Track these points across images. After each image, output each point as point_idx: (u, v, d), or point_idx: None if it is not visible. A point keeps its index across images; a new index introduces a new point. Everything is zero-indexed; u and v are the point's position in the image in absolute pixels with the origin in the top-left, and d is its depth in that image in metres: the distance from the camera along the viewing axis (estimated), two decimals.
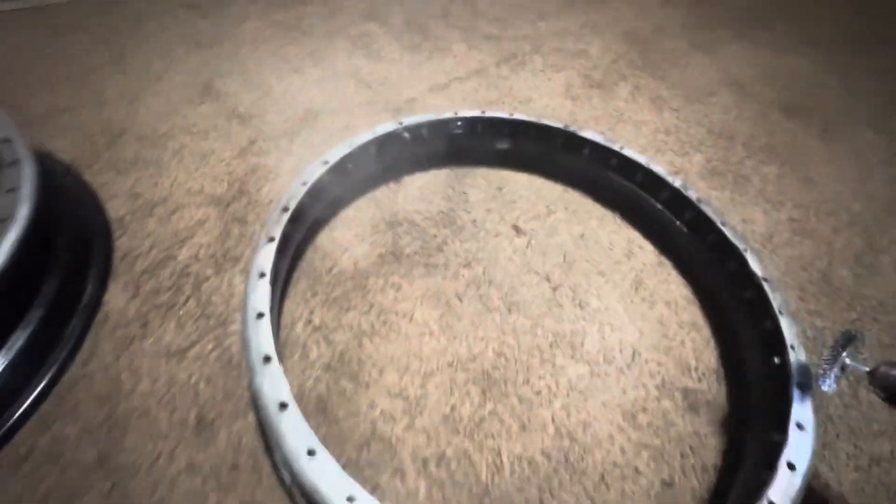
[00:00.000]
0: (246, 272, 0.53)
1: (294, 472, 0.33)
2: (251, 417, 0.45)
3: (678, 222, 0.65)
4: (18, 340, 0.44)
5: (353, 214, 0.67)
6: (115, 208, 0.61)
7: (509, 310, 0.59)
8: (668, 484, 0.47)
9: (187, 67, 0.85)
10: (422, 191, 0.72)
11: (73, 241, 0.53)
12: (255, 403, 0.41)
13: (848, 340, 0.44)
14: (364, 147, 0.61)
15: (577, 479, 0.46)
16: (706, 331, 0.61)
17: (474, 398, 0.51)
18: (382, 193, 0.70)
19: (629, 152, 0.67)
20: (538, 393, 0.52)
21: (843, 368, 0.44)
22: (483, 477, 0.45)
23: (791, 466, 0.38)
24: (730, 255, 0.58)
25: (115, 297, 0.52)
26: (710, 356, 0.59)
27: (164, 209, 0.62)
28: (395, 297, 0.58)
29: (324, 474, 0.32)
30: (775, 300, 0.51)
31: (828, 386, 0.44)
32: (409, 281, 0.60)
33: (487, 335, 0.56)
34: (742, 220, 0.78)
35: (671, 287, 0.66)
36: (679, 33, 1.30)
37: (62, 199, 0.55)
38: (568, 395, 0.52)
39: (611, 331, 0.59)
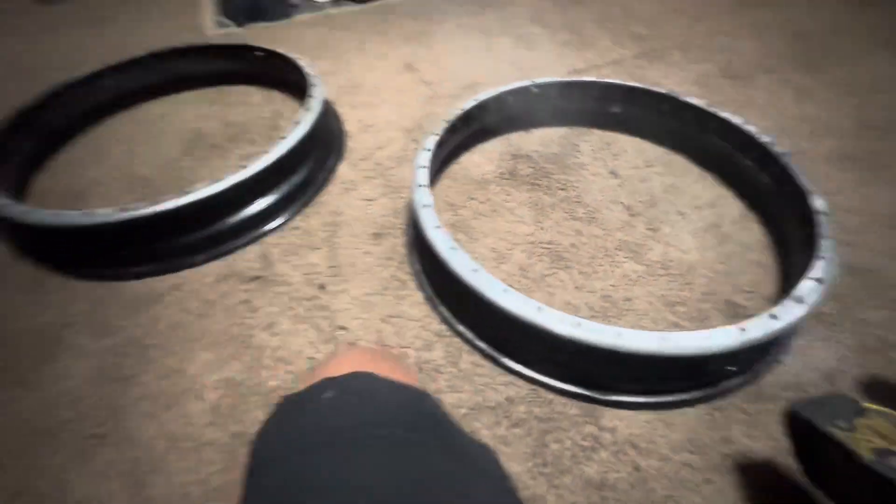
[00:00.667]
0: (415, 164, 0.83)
1: (435, 252, 0.59)
2: (403, 239, 0.75)
3: (770, 179, 0.72)
4: (294, 180, 0.81)
5: (488, 146, 0.93)
6: (350, 126, 0.99)
7: (588, 221, 0.77)
8: None
9: (399, 53, 1.25)
10: (542, 139, 0.94)
11: (327, 139, 0.91)
12: (415, 224, 0.70)
13: None
14: (499, 97, 0.86)
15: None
16: (773, 270, 0.68)
17: (546, 263, 0.71)
18: (513, 136, 0.95)
19: (728, 115, 0.78)
20: (595, 272, 0.69)
21: None
22: None
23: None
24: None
25: (342, 169, 0.89)
26: (768, 289, 0.66)
27: (374, 129, 0.98)
28: (504, 197, 0.82)
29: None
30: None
31: None
32: (517, 190, 0.83)
33: (566, 232, 0.75)
34: (862, 197, 0.78)
35: (749, 234, 0.74)
36: (860, 33, 1.23)
37: (327, 117, 0.94)
38: (620, 278, 0.68)
39: (675, 250, 0.72)
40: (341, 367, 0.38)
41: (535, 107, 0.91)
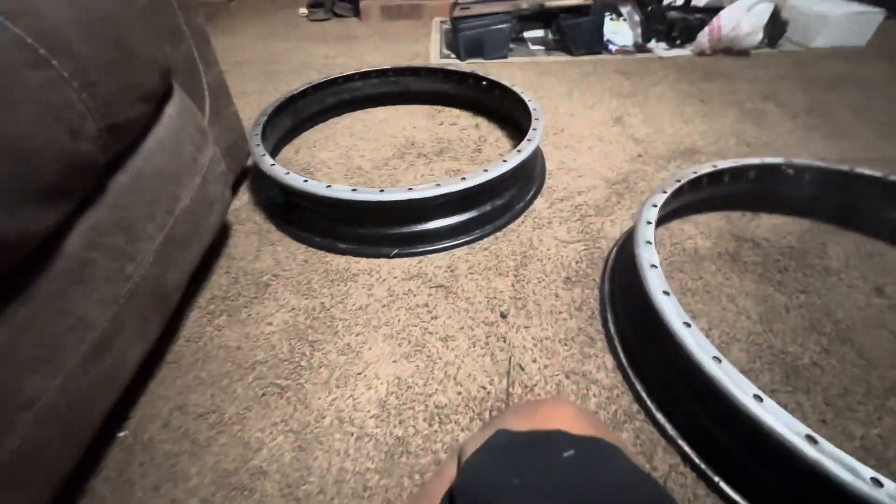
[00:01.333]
0: (635, 218, 0.76)
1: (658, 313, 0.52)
2: (596, 292, 0.68)
3: None
4: (496, 202, 0.81)
5: (704, 219, 0.82)
6: (550, 164, 0.98)
7: (842, 342, 0.60)
8: None
9: (608, 107, 1.22)
10: (776, 228, 0.80)
11: (531, 171, 0.91)
12: (631, 283, 0.63)
13: None
14: (740, 169, 0.75)
15: None
16: None
17: (775, 375, 0.56)
18: (736, 216, 0.82)
19: None
20: (851, 409, 0.53)
21: None
22: None
23: None
24: None
25: (539, 204, 0.87)
26: None
27: (575, 174, 0.95)
28: (722, 281, 0.69)
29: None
30: None
31: None
32: (740, 278, 0.70)
33: (809, 346, 0.60)
34: None
35: None
36: None
37: (536, 149, 0.95)
38: (887, 430, 0.50)
39: None
40: (553, 418, 0.33)
41: (775, 188, 0.78)
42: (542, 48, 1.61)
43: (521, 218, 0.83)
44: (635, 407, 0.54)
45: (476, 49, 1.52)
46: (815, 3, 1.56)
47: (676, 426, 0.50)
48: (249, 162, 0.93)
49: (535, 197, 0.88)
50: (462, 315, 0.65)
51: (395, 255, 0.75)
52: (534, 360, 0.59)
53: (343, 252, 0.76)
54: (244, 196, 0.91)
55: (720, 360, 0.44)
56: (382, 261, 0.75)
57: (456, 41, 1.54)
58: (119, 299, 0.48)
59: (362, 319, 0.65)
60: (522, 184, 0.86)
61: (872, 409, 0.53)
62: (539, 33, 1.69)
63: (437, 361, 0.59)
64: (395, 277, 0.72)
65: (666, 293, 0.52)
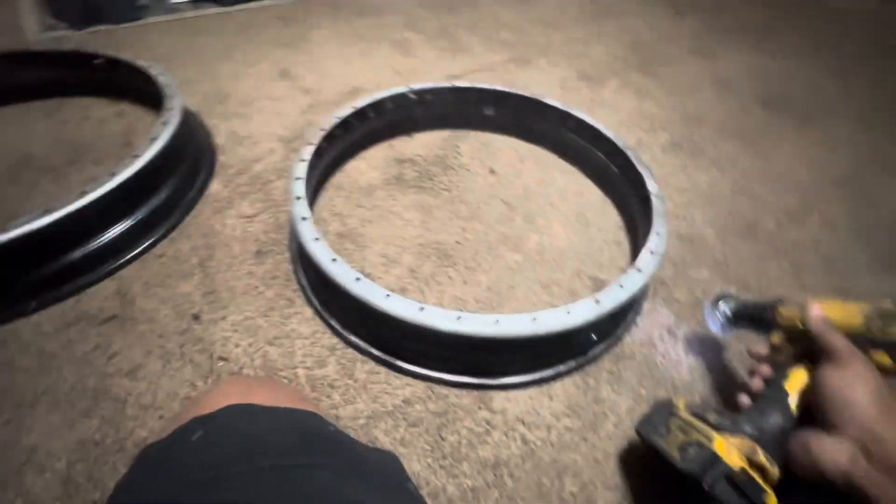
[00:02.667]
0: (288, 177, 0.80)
1: (316, 265, 0.58)
2: (287, 254, 0.71)
3: (616, 169, 0.84)
4: (158, 199, 0.73)
5: (372, 153, 0.93)
6: (220, 139, 0.92)
7: (471, 218, 0.81)
8: None
9: (274, 58, 1.19)
10: (426, 142, 0.97)
11: (194, 154, 0.83)
12: (295, 239, 0.67)
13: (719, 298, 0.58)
14: (378, 103, 0.87)
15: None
16: (626, 247, 0.79)
17: (434, 263, 0.73)
18: (396, 142, 0.96)
19: (581, 115, 0.88)
20: (480, 265, 0.73)
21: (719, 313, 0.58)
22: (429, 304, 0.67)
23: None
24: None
25: (215, 187, 0.82)
26: (623, 263, 0.76)
27: (249, 141, 0.92)
28: (391, 203, 0.82)
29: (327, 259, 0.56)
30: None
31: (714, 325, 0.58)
32: (403, 195, 0.84)
33: (451, 231, 0.78)
34: (687, 179, 0.94)
35: (608, 219, 0.84)
36: (683, 43, 1.47)
37: (192, 128, 0.86)
38: (502, 269, 0.73)
39: (548, 238, 0.79)
40: (214, 403, 0.35)
41: (414, 112, 0.94)
42: (187, 0, 1.41)
43: (196, 207, 0.77)
44: (335, 340, 0.62)
45: (92, 13, 1.21)
46: None
47: (362, 338, 0.60)
48: None
49: (207, 180, 0.82)
50: (147, 338, 0.60)
51: (35, 310, 0.61)
52: (237, 345, 0.60)
53: None
54: None
55: (361, 279, 0.54)
56: (21, 321, 0.60)
57: (58, 5, 1.19)
58: None
59: (10, 402, 0.53)
60: (185, 171, 0.79)
61: (492, 259, 0.75)
62: None
63: (128, 399, 0.54)
64: (46, 334, 0.59)
65: (316, 239, 0.58)
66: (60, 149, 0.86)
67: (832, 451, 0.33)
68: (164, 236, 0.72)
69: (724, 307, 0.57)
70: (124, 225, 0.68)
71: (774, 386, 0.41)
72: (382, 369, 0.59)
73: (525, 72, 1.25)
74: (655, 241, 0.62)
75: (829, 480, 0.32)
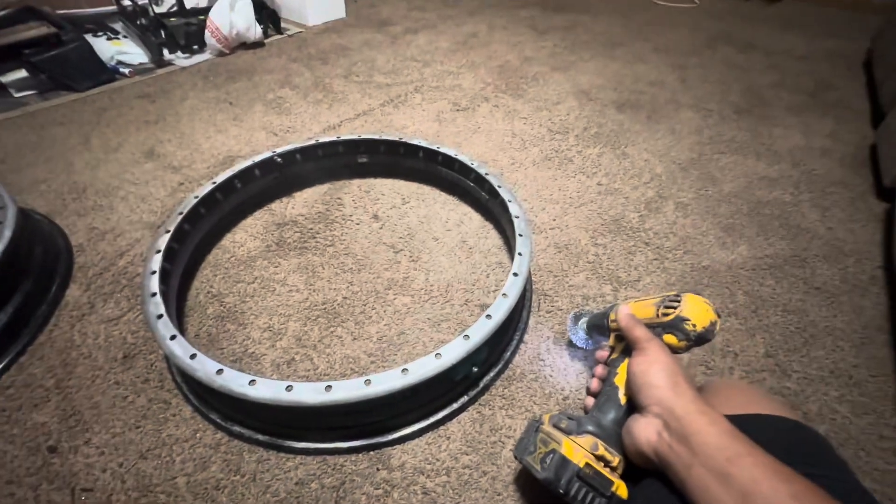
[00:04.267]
0: (143, 271, 0.76)
1: (176, 364, 0.54)
2: (158, 353, 0.67)
3: (486, 195, 0.88)
4: (3, 317, 0.67)
5: (250, 221, 0.91)
6: (77, 238, 0.85)
7: (358, 269, 0.81)
8: None
9: (137, 139, 1.13)
10: (306, 200, 0.97)
11: (44, 259, 0.77)
12: (157, 339, 0.63)
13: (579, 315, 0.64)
14: (248, 169, 0.86)
15: (388, 367, 0.67)
16: (508, 266, 0.83)
17: (322, 326, 0.72)
18: (275, 205, 0.95)
19: (447, 150, 0.92)
20: (370, 318, 0.73)
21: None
22: (319, 370, 0.66)
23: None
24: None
25: (73, 292, 0.75)
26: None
27: (111, 235, 0.86)
28: (273, 270, 0.81)
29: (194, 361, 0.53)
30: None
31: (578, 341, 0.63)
32: (286, 259, 0.83)
33: (338, 287, 0.78)
34: (558, 189, 1.01)
35: (488, 241, 0.88)
36: (544, 61, 1.60)
37: (37, 233, 0.79)
38: (392, 316, 0.74)
39: (434, 274, 0.81)
40: None
41: (287, 173, 0.93)
42: (34, 92, 1.32)
43: (52, 321, 0.71)
44: (219, 435, 0.58)
45: None
46: None
47: (246, 427, 0.57)
48: None
49: (63, 288, 0.76)
50: None
51: None
52: (103, 470, 0.55)
53: None
54: None
55: (222, 371, 0.52)
56: None
57: None
58: None
59: None
60: (29, 286, 0.72)
61: (381, 308, 0.75)
62: (23, 73, 1.36)
63: None
64: None
65: (173, 337, 0.55)
66: None
67: (644, 430, 0.36)
68: (10, 363, 0.65)
69: (581, 322, 0.62)
70: None
71: (608, 383, 0.45)
72: (272, 454, 0.57)
73: (402, 111, 1.29)
74: (517, 262, 0.66)
75: (646, 457, 0.36)
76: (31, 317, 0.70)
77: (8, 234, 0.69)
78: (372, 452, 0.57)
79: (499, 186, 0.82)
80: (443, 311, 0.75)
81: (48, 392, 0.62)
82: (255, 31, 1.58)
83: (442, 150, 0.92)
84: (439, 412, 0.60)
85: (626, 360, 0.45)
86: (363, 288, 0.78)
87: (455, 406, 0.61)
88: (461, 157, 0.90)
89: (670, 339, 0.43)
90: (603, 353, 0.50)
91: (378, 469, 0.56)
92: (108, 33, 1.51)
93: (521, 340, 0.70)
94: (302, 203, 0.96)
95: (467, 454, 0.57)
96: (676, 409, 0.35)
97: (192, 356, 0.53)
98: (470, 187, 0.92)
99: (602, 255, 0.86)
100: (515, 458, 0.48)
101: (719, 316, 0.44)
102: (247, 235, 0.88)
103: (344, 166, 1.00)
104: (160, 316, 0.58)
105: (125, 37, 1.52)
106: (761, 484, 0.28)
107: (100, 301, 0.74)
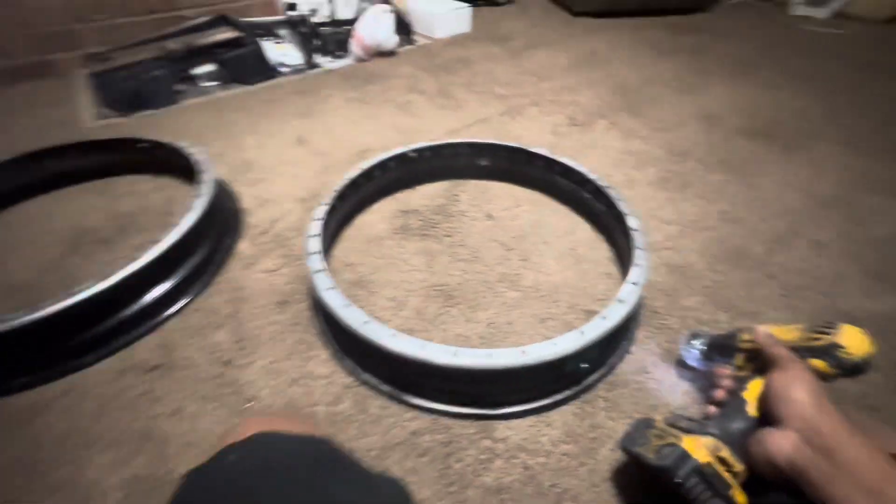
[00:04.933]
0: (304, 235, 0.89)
1: (330, 311, 0.65)
2: (306, 303, 0.80)
3: (602, 207, 0.90)
4: (193, 260, 0.84)
5: (380, 206, 1.03)
6: (246, 203, 1.04)
7: (472, 260, 0.88)
8: None
9: (291, 128, 1.33)
10: (428, 194, 1.07)
11: (224, 218, 0.95)
12: (312, 290, 0.75)
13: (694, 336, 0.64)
14: (382, 163, 0.98)
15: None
16: (618, 279, 0.84)
17: (439, 304, 0.80)
18: (400, 195, 1.06)
19: (566, 160, 0.96)
20: (480, 304, 0.80)
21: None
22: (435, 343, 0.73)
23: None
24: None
25: (242, 246, 0.92)
26: (615, 295, 0.81)
27: (271, 203, 1.03)
28: (398, 250, 0.91)
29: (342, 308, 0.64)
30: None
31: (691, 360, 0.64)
32: (409, 242, 0.93)
33: (454, 273, 0.86)
34: (675, 210, 1.00)
35: (598, 253, 0.90)
36: (667, 83, 1.57)
37: (220, 198, 0.98)
38: (501, 306, 0.79)
39: (543, 275, 0.85)
40: (242, 433, 0.42)
41: (415, 168, 1.04)
42: (217, 83, 1.61)
43: (226, 266, 0.88)
44: (349, 379, 0.68)
45: (137, 101, 1.40)
46: (426, 4, 2.00)
47: (374, 376, 0.66)
48: None
49: (234, 241, 0.93)
50: (186, 383, 0.68)
51: (92, 363, 0.70)
52: (263, 388, 0.67)
53: (21, 388, 0.67)
54: None
55: (368, 322, 0.61)
56: (77, 374, 0.69)
57: (112, 98, 1.39)
58: None
59: (71, 445, 0.61)
60: (216, 234, 0.90)
61: (492, 297, 0.81)
62: (210, 67, 1.66)
63: (170, 438, 0.61)
64: (101, 384, 0.68)
65: (330, 289, 0.66)
66: (111, 221, 0.99)
67: (779, 442, 0.37)
68: (199, 293, 0.82)
69: (697, 343, 0.62)
70: (166, 285, 0.78)
71: (735, 395, 0.45)
72: (393, 404, 0.65)
73: (518, 122, 1.36)
74: (636, 273, 0.68)
75: (777, 468, 0.36)
76: (214, 259, 0.87)
77: (208, 193, 0.87)
78: (479, 421, 0.63)
79: (617, 199, 0.84)
80: (549, 311, 0.78)
81: (224, 319, 0.77)
82: (392, 41, 1.76)
83: (561, 160, 0.96)
84: (544, 399, 0.63)
85: (758, 378, 0.45)
86: (476, 277, 0.85)
87: (559, 397, 0.64)
88: (580, 168, 0.93)
89: (817, 363, 0.43)
90: (724, 371, 0.50)
91: (483, 437, 0.61)
92: (275, 38, 1.79)
93: (627, 350, 0.71)
94: (425, 195, 1.06)
95: (566, 443, 0.60)
96: (822, 426, 0.36)
97: (346, 306, 0.63)
98: (585, 198, 0.94)
99: (720, 282, 0.83)
100: (622, 448, 0.51)
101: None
102: (376, 218, 1.00)
103: (464, 167, 1.08)
104: (319, 270, 0.69)
105: (287, 42, 1.78)
106: None
107: (262, 255, 0.90)
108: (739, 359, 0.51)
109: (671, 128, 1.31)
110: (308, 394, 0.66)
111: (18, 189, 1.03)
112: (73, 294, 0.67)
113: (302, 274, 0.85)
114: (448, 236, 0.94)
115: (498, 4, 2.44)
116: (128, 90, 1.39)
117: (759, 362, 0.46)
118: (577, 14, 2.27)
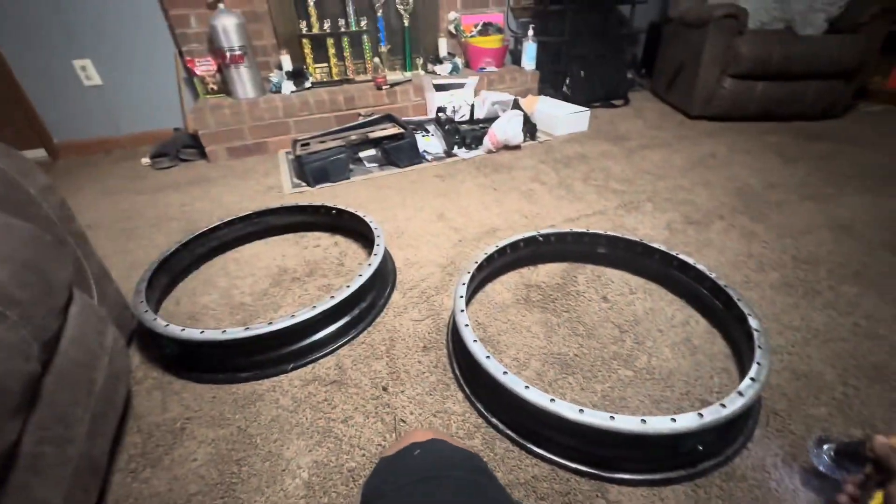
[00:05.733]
0: (453, 297, 1.09)
1: (473, 360, 0.82)
2: (445, 351, 0.97)
3: (720, 305, 0.96)
4: (362, 305, 1.08)
5: (506, 278, 1.20)
6: (398, 262, 1.29)
7: (588, 336, 0.99)
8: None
9: (432, 206, 1.62)
10: (549, 272, 1.22)
11: (384, 274, 1.20)
12: (455, 339, 0.93)
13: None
14: (513, 243, 1.16)
15: None
16: (734, 375, 0.87)
17: (556, 370, 0.91)
18: (524, 271, 1.23)
19: (685, 256, 1.05)
20: (595, 377, 0.89)
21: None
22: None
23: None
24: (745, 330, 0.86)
25: (395, 297, 1.15)
26: (732, 388, 0.84)
27: (417, 266, 1.28)
28: (521, 318, 1.05)
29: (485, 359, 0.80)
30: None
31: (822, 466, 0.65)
32: (531, 313, 1.07)
33: (571, 345, 0.97)
34: (800, 318, 1.00)
35: (714, 347, 0.94)
36: (793, 189, 1.58)
37: (385, 258, 1.25)
38: (616, 382, 0.87)
39: (657, 360, 0.92)
40: (419, 437, 0.58)
41: (541, 249, 1.21)
42: (377, 165, 2.02)
43: (384, 311, 1.10)
44: (480, 420, 0.81)
45: (322, 176, 1.84)
46: (550, 108, 2.31)
47: (502, 421, 0.79)
48: (134, 324, 1.04)
49: (391, 292, 1.17)
50: (354, 398, 0.87)
51: (292, 369, 0.94)
52: (411, 413, 0.83)
53: (245, 380, 0.92)
54: (135, 357, 1.00)
55: (507, 373, 0.75)
56: (282, 377, 0.93)
57: (304, 173, 1.84)
58: (66, 478, 0.59)
59: (276, 428, 0.82)
60: (380, 285, 1.14)
61: (606, 373, 0.90)
62: (371, 152, 2.10)
63: (343, 438, 0.79)
64: (296, 386, 0.90)
65: (475, 341, 0.83)
66: (302, 265, 1.31)
67: None
68: (363, 330, 1.04)
69: (825, 448, 0.64)
70: (344, 320, 1.02)
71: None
72: (516, 449, 0.76)
73: (633, 216, 1.48)
74: (756, 370, 0.73)
75: None
76: (376, 305, 1.10)
77: (381, 253, 1.13)
78: (594, 481, 0.70)
79: (738, 299, 0.90)
80: (663, 394, 0.85)
81: (381, 353, 0.98)
82: (519, 137, 2.06)
83: (680, 256, 1.06)
84: (658, 473, 0.69)
85: (882, 490, 0.48)
86: (591, 352, 0.95)
87: (672, 475, 0.69)
88: (699, 266, 1.01)
89: None
90: (854, 479, 0.53)
91: (597, 495, 0.68)
92: (423, 132, 2.21)
93: (744, 445, 0.74)
94: (545, 273, 1.21)
95: None
96: None
97: (487, 357, 0.79)
98: (703, 294, 1.01)
99: (853, 396, 0.82)
100: None
101: None
102: (503, 288, 1.17)
103: (583, 252, 1.23)
104: (467, 325, 0.87)
105: (432, 135, 2.19)
106: None
107: (411, 306, 1.11)
108: (870, 467, 0.53)
109: (797, 235, 1.31)
110: (446, 425, 0.81)
111: (245, 236, 1.42)
112: (285, 319, 0.93)
113: (441, 326, 1.04)
114: (566, 311, 1.07)
115: (614, 106, 2.69)
116: (317, 168, 1.84)
117: (884, 474, 0.49)
118: (693, 118, 2.39)
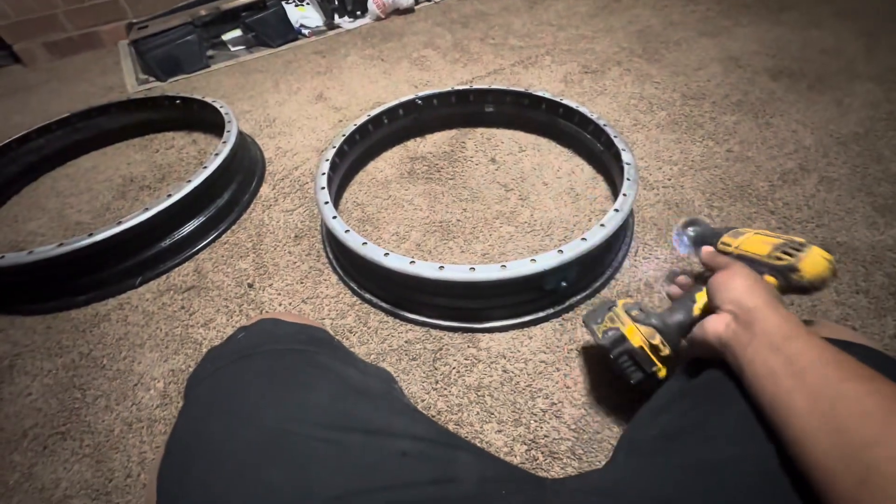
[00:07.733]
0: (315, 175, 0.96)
1: (333, 236, 0.73)
2: (318, 237, 0.88)
3: (600, 146, 0.92)
4: (219, 203, 0.94)
5: (389, 154, 1.09)
6: (268, 153, 1.13)
7: (472, 200, 0.93)
8: None
9: (311, 85, 1.40)
10: (435, 141, 1.11)
11: (249, 164, 1.04)
12: (322, 224, 0.83)
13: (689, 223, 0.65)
14: (393, 108, 1.02)
15: None
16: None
17: (437, 238, 0.86)
18: (410, 143, 1.11)
19: (568, 102, 0.97)
20: (477, 238, 0.85)
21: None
22: None
23: None
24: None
25: (265, 189, 1.02)
26: None
27: (290, 153, 1.12)
28: (403, 192, 0.97)
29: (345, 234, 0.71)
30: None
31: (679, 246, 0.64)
32: (414, 185, 0.99)
33: (454, 211, 0.91)
34: (680, 151, 0.99)
35: (596, 192, 0.92)
36: (692, 26, 1.50)
37: (245, 146, 1.07)
38: (496, 240, 0.84)
39: (539, 212, 0.89)
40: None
41: (423, 116, 1.08)
42: (243, 47, 1.69)
43: (252, 207, 0.97)
44: (354, 299, 0.76)
45: (173, 66, 1.51)
46: None
47: (374, 295, 0.74)
48: None
49: (258, 185, 1.02)
50: (216, 301, 0.78)
51: (141, 283, 0.82)
52: (280, 305, 0.77)
53: (86, 303, 0.80)
54: None
55: (366, 243, 0.68)
56: (129, 293, 0.81)
57: (148, 64, 1.50)
58: None
59: (125, 346, 0.73)
60: (241, 179, 0.99)
61: (488, 232, 0.86)
62: (237, 33, 1.74)
63: (203, 342, 0.72)
64: (147, 300, 0.80)
65: (334, 217, 0.74)
66: (153, 171, 1.11)
67: (713, 323, 0.41)
68: (226, 229, 0.92)
69: (691, 231, 0.63)
70: (198, 221, 0.88)
71: (688, 292, 0.49)
72: (390, 319, 0.73)
73: (530, 72, 1.35)
74: (620, 201, 0.71)
75: (711, 346, 0.40)
76: (239, 201, 0.97)
77: (231, 142, 0.95)
78: (466, 334, 0.69)
79: (615, 136, 0.85)
80: (542, 243, 0.83)
81: (247, 250, 0.87)
82: (409, 0, 1.77)
83: (564, 101, 0.98)
84: (526, 315, 0.69)
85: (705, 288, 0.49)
86: (474, 215, 0.90)
87: (541, 314, 0.69)
88: (581, 109, 0.94)
89: (770, 279, 0.46)
90: (695, 269, 0.53)
91: (468, 346, 0.68)
92: (296, 1, 1.84)
93: (612, 277, 0.75)
94: (432, 143, 1.10)
95: (544, 353, 0.66)
96: (748, 303, 0.39)
97: (346, 231, 0.71)
98: (586, 139, 0.96)
99: (716, 216, 0.84)
100: (583, 322, 0.56)
101: (836, 276, 0.45)
102: (385, 164, 1.06)
103: (472, 114, 1.11)
104: (326, 202, 0.77)
105: (308, 4, 1.83)
106: (809, 353, 0.32)
107: (281, 197, 0.99)
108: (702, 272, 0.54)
109: (690, 72, 1.27)
110: (317, 310, 0.75)
111: (73, 146, 1.16)
112: (121, 223, 0.78)
113: (316, 213, 0.94)
114: (451, 179, 0.99)
115: None
116: (162, 56, 1.50)
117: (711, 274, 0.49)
118: None
